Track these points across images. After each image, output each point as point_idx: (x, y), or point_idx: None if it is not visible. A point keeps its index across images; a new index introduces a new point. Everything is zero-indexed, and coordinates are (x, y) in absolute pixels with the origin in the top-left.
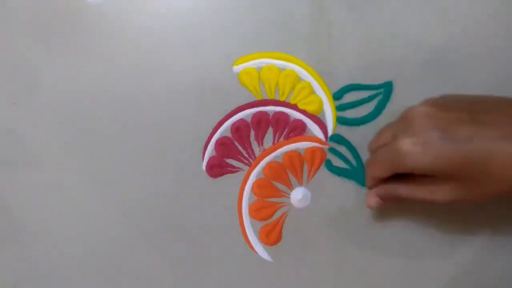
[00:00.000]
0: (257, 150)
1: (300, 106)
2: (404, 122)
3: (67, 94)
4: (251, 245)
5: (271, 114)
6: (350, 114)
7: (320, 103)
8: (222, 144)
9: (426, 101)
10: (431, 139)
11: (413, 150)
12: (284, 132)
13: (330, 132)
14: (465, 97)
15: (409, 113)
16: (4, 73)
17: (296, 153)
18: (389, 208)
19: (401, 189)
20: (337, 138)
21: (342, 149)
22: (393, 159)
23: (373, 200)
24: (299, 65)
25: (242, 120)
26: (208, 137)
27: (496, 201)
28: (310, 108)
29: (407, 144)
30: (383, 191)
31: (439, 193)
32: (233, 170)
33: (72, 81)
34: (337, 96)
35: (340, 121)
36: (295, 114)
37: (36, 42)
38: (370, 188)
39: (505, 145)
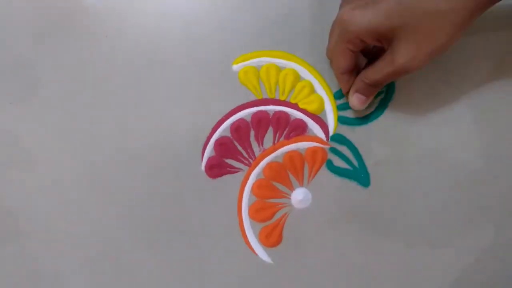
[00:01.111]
0: (257, 150)
1: (301, 106)
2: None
3: (64, 94)
4: (251, 247)
5: (271, 114)
6: (351, 113)
7: (321, 102)
8: (221, 144)
9: None
10: (365, 2)
11: (353, 14)
12: (285, 132)
13: (331, 132)
14: None
15: None
16: (1, 72)
17: (296, 153)
18: (391, 209)
19: (369, 72)
20: (338, 138)
21: (344, 149)
22: (340, 32)
23: (355, 97)
24: (300, 64)
25: (241, 120)
26: (207, 137)
27: (499, 199)
28: (311, 108)
29: (346, 12)
30: (358, 82)
31: (399, 56)
32: (233, 170)
33: (70, 81)
34: (338, 95)
35: (341, 120)
36: (296, 114)
37: (33, 41)
38: (346, 91)
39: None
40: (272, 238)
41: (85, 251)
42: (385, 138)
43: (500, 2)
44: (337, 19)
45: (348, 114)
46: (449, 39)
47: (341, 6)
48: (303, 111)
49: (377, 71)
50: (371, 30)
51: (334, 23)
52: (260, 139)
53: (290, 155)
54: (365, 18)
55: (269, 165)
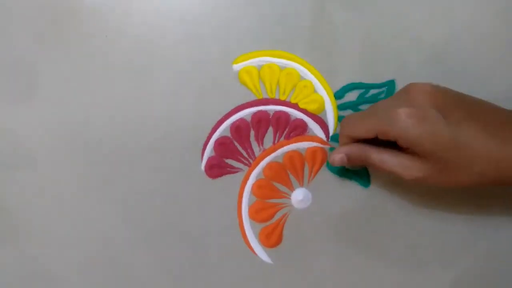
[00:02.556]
0: (257, 150)
1: (301, 105)
2: (404, 95)
3: (64, 94)
4: (251, 247)
5: (271, 114)
6: (351, 113)
7: (322, 102)
8: (221, 144)
9: (429, 83)
10: (428, 116)
11: (407, 119)
12: (285, 132)
13: (331, 132)
14: (464, 96)
15: (412, 87)
16: (1, 73)
17: (296, 153)
18: (390, 209)
19: (373, 153)
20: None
21: None
22: (383, 121)
23: (339, 156)
24: (300, 64)
25: (242, 120)
26: (207, 137)
27: (499, 200)
28: (311, 107)
29: (403, 113)
30: (354, 150)
31: (411, 169)
32: (233, 170)
33: (70, 81)
34: (338, 95)
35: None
36: (296, 114)
37: (33, 41)
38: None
39: (489, 141)
40: (272, 238)
41: (84, 251)
42: None
43: None
44: (391, 113)
45: (348, 114)
46: (473, 180)
47: (398, 103)
48: (303, 111)
49: (381, 160)
50: (412, 142)
51: (382, 110)
52: (260, 139)
53: (290, 155)
54: (416, 132)
55: (269, 165)
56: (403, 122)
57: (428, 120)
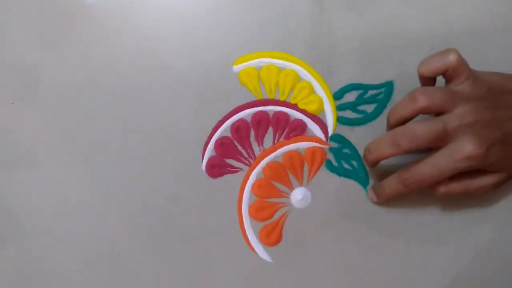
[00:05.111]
0: (257, 150)
1: (301, 106)
2: (455, 117)
3: (66, 94)
4: (251, 246)
5: (271, 114)
6: (350, 114)
7: (321, 102)
8: (222, 144)
9: (473, 95)
10: (493, 141)
11: (478, 153)
12: (284, 132)
13: (330, 132)
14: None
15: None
16: (3, 73)
17: (296, 153)
18: (390, 209)
19: (455, 187)
20: (337, 138)
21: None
22: (456, 163)
23: (442, 192)
24: (299, 65)
25: (242, 120)
26: (208, 137)
27: (498, 199)
28: (311, 108)
29: (470, 147)
30: (443, 192)
31: (490, 179)
32: (233, 170)
33: (71, 81)
34: (337, 95)
35: (340, 121)
36: (295, 114)
37: (34, 41)
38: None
39: None
40: (272, 237)
41: (85, 251)
42: None
43: None
44: (459, 152)
45: (347, 114)
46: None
47: (458, 135)
48: (303, 111)
49: (464, 187)
50: (487, 168)
51: (449, 151)
52: (260, 139)
53: (290, 155)
54: (489, 161)
55: (269, 165)
56: (474, 157)
57: (494, 146)
